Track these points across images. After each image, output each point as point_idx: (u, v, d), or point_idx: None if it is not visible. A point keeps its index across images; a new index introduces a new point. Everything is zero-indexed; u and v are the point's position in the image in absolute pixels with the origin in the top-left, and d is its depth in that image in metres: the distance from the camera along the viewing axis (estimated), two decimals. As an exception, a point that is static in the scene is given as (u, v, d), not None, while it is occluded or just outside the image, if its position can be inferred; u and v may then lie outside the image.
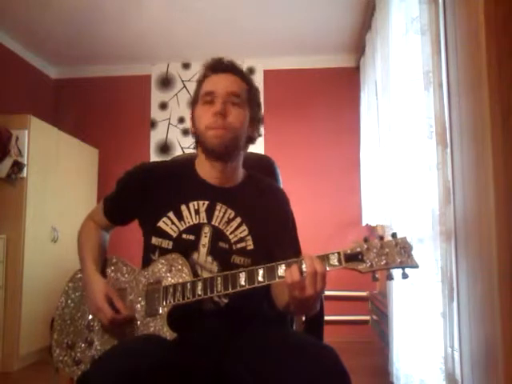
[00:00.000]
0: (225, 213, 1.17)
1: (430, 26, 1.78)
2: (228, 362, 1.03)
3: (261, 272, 0.99)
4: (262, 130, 1.27)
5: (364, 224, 3.54)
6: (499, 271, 1.30)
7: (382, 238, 0.96)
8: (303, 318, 1.29)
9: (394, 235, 0.97)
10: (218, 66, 1.20)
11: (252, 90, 1.23)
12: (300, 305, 0.99)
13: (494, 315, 1.32)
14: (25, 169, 3.06)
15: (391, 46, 2.35)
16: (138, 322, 1.09)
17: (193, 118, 1.22)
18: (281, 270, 0.97)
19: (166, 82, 4.18)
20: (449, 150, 1.70)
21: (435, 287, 1.75)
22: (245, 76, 1.22)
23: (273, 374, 0.91)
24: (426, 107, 1.79)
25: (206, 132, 1.15)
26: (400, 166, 2.19)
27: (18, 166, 3.04)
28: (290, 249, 1.16)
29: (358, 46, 3.63)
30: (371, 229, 3.42)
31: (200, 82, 1.22)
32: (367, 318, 3.62)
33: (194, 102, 1.23)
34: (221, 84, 1.17)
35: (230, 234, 1.16)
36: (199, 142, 1.20)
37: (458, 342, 1.64)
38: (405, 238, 0.96)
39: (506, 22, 1.33)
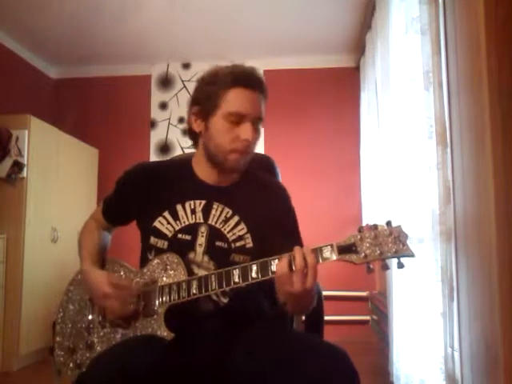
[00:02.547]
0: (222, 212, 1.16)
1: (430, 25, 1.78)
2: (228, 362, 1.02)
3: (254, 268, 0.98)
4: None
5: (364, 224, 3.53)
6: (499, 271, 1.30)
7: (376, 227, 0.93)
8: (303, 318, 1.28)
9: (388, 223, 0.94)
10: (249, 81, 1.11)
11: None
12: (292, 301, 0.98)
13: (494, 315, 1.32)
14: (25, 169, 3.05)
15: (391, 46, 2.35)
16: (136, 323, 1.08)
17: (207, 127, 1.14)
18: (274, 265, 0.95)
19: (165, 82, 4.17)
20: (449, 149, 1.70)
21: (435, 287, 1.75)
22: (267, 93, 1.16)
23: (275, 375, 0.90)
24: (425, 107, 1.80)
25: (229, 153, 1.11)
26: (400, 165, 2.19)
27: (18, 166, 3.03)
28: (290, 245, 1.15)
29: (358, 45, 3.63)
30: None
31: (223, 89, 1.10)
32: (367, 317, 3.62)
33: (211, 107, 1.11)
34: (252, 107, 1.10)
35: (228, 232, 1.15)
36: (210, 155, 1.15)
37: (458, 342, 1.64)
38: (399, 226, 0.93)
39: (506, 22, 1.33)
